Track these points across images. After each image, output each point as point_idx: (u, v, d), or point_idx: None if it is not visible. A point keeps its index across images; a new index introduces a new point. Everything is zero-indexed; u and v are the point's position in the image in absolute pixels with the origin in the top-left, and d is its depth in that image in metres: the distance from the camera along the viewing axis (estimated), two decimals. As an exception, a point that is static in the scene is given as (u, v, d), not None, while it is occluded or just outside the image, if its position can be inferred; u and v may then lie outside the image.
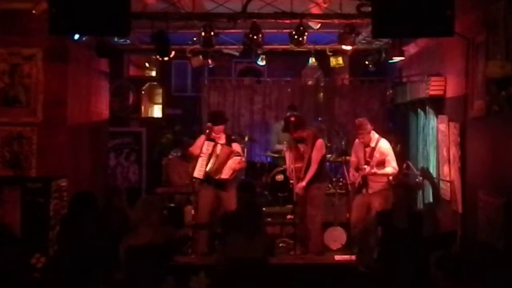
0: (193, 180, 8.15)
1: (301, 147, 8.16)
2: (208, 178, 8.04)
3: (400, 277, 5.65)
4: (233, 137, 8.58)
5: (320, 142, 8.19)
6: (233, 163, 8.07)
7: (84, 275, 5.31)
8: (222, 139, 8.19)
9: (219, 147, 8.05)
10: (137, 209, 5.56)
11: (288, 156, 8.36)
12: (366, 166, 7.88)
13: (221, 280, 5.66)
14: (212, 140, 8.12)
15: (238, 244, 5.62)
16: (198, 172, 8.08)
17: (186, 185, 8.50)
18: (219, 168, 8.03)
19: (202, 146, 8.08)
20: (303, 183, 8.03)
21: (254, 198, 6.51)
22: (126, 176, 11.32)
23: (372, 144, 8.00)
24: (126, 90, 11.73)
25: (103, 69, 9.39)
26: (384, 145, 8.03)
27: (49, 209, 7.08)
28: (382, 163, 7.94)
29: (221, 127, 8.20)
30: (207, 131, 8.23)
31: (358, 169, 8.07)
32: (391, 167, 7.92)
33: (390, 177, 7.99)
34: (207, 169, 8.00)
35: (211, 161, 8.02)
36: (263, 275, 5.65)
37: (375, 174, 7.89)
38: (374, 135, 8.07)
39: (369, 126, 8.03)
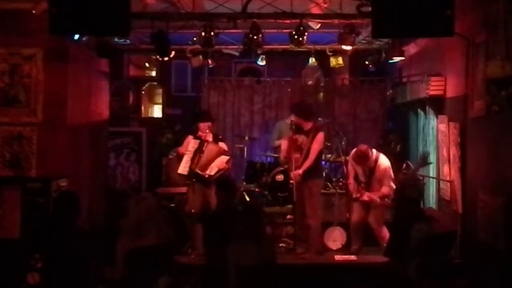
0: (185, 179, 8.22)
1: (299, 138, 8.16)
2: (195, 174, 8.09)
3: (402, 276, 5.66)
4: (220, 137, 8.66)
5: (321, 135, 8.21)
6: (220, 162, 8.12)
7: (78, 275, 5.28)
8: (209, 138, 8.25)
9: (205, 144, 8.12)
10: (139, 209, 5.50)
11: (284, 144, 8.36)
12: (365, 196, 7.99)
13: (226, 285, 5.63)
14: (198, 138, 8.19)
15: (249, 251, 5.54)
16: (183, 169, 8.19)
17: (186, 184, 8.52)
18: (206, 165, 8.08)
19: (188, 144, 8.21)
20: (300, 171, 8.05)
21: (233, 196, 6.42)
22: (126, 176, 11.31)
23: (372, 165, 8.04)
24: (126, 90, 11.73)
25: (103, 69, 9.38)
26: (384, 164, 8.04)
27: (49, 209, 7.06)
28: (380, 182, 7.98)
29: (206, 124, 8.25)
30: (207, 130, 8.28)
31: (357, 179, 8.14)
32: (388, 186, 8.00)
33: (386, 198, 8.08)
34: (195, 166, 8.06)
35: (197, 157, 8.08)
36: (274, 278, 5.62)
37: (374, 199, 7.98)
38: (373, 154, 8.09)
39: (371, 153, 8.04)
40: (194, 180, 8.14)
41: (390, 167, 8.07)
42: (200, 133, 8.26)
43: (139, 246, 5.35)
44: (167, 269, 5.63)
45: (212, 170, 8.10)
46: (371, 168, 8.03)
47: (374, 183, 8.03)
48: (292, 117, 8.43)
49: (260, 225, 5.76)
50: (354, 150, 8.22)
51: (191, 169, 8.11)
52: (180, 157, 8.33)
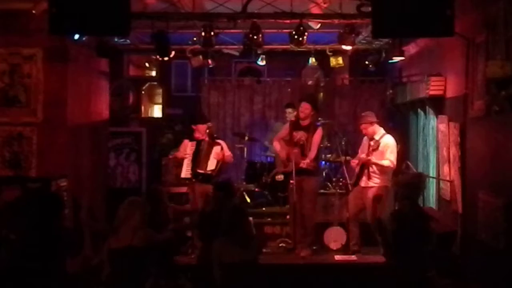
0: (185, 181, 8.28)
1: (297, 134, 8.16)
2: (195, 174, 8.12)
3: (403, 276, 5.66)
4: (215, 135, 8.71)
5: (320, 129, 8.26)
6: (215, 154, 8.19)
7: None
8: (206, 138, 8.30)
9: (202, 144, 8.21)
10: (121, 209, 5.52)
11: (277, 145, 8.38)
12: (363, 155, 7.98)
13: (212, 284, 5.67)
14: (195, 140, 8.23)
15: (231, 249, 5.61)
16: (185, 173, 8.25)
17: (184, 184, 8.54)
18: (204, 162, 8.15)
19: (186, 148, 8.25)
20: (307, 160, 8.00)
21: (230, 197, 6.43)
22: (126, 176, 11.31)
23: (377, 137, 8.05)
24: (126, 90, 11.73)
25: (103, 69, 9.39)
26: (388, 140, 8.08)
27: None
28: (382, 156, 7.99)
29: (204, 126, 8.30)
30: (207, 131, 8.29)
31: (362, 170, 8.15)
32: (389, 160, 7.97)
33: (388, 167, 8.05)
34: (198, 167, 8.09)
35: (199, 158, 8.14)
36: (255, 276, 5.66)
37: (370, 161, 7.95)
38: (380, 130, 8.12)
39: (371, 119, 8.09)
40: (194, 180, 8.19)
41: (394, 145, 8.08)
42: (197, 134, 8.29)
43: (117, 246, 5.36)
44: (154, 273, 5.65)
45: (211, 164, 8.16)
46: (376, 141, 8.04)
47: (377, 157, 8.03)
48: (288, 110, 8.44)
49: (245, 225, 5.80)
50: None
51: (193, 171, 8.16)
52: (179, 162, 8.40)
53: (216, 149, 8.24)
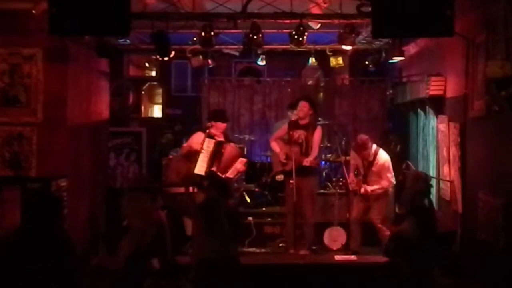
0: (193, 177, 8.09)
1: (295, 133, 8.15)
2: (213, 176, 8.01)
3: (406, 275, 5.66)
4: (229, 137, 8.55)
5: (320, 128, 8.29)
6: (239, 164, 8.07)
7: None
8: (221, 138, 8.14)
9: (224, 146, 7.99)
10: (145, 212, 5.52)
11: (276, 147, 8.40)
12: (363, 188, 8.02)
13: (195, 281, 5.68)
14: (212, 137, 8.06)
15: (208, 245, 5.62)
16: (200, 169, 7.97)
17: (184, 184, 8.48)
18: (225, 167, 8.00)
19: (202, 142, 7.99)
20: (311, 157, 8.02)
21: (224, 196, 6.37)
22: (126, 176, 11.30)
23: (370, 158, 8.06)
24: (126, 90, 11.74)
25: (103, 69, 9.38)
26: (382, 158, 8.08)
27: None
28: (379, 175, 8.00)
29: (224, 124, 8.16)
30: (208, 129, 8.17)
31: (357, 173, 8.13)
32: (387, 180, 8.06)
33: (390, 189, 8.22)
34: (213, 168, 7.97)
35: (216, 160, 7.97)
36: (235, 274, 5.66)
37: (370, 192, 8.04)
38: (372, 147, 8.12)
39: (370, 144, 8.09)
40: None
41: (389, 161, 8.11)
42: (214, 131, 8.09)
43: (141, 247, 5.40)
44: (154, 272, 5.70)
45: (232, 173, 8.02)
46: (369, 161, 8.06)
47: (373, 177, 8.06)
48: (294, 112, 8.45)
49: (220, 221, 5.78)
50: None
51: (210, 170, 7.96)
52: (191, 153, 8.07)
53: (241, 161, 8.09)
